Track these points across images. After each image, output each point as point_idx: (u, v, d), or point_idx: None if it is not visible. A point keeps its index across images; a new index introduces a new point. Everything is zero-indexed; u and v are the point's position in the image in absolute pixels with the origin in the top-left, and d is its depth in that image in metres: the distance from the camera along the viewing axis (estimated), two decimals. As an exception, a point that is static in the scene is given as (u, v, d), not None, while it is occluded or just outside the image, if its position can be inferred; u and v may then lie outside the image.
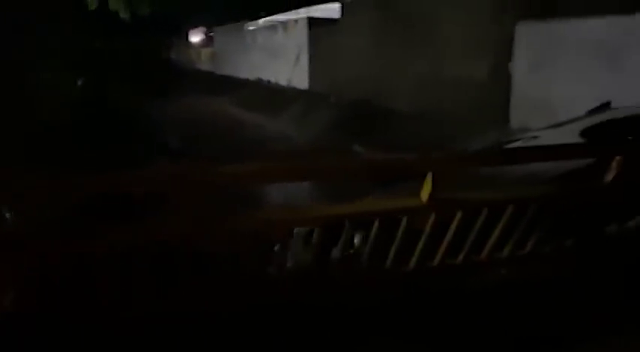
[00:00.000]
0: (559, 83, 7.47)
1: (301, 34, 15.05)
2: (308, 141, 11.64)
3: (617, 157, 2.39)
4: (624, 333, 2.13)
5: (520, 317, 2.22)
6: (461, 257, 2.20)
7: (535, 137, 4.36)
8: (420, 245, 2.11)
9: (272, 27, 17.32)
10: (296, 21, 15.39)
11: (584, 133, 4.20)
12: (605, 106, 5.41)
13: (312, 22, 14.46)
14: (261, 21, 18.25)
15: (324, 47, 14.03)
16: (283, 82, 16.48)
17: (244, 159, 2.18)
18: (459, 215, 2.08)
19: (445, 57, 9.45)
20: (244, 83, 18.55)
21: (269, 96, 15.90)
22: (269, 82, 17.45)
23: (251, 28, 18.72)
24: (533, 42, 7.85)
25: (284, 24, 16.34)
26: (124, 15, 7.35)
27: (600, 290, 2.34)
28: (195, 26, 25.44)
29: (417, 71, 10.20)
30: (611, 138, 4.14)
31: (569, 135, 4.25)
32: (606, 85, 6.80)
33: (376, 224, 2.16)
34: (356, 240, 3.40)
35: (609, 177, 2.38)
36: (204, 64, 24.37)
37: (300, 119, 13.21)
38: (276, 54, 16.93)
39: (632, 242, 2.49)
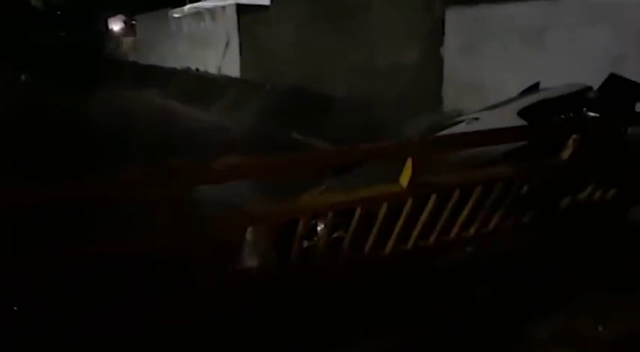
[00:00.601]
0: (488, 66, 7.79)
1: (230, 21, 14.69)
2: (245, 131, 11.46)
3: (574, 135, 2.52)
4: (582, 302, 2.28)
5: (488, 290, 2.30)
6: (432, 238, 2.26)
7: (476, 119, 4.52)
8: (397, 229, 2.14)
9: (198, 14, 16.77)
10: (223, 7, 14.99)
11: (521, 113, 4.42)
12: (535, 87, 5.71)
13: (241, 8, 14.14)
14: (187, 8, 17.62)
15: (255, 34, 13.79)
16: (213, 71, 16.05)
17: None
18: (433, 198, 2.13)
19: (378, 43, 9.58)
20: (172, 73, 17.90)
21: (199, 85, 15.46)
22: (197, 70, 16.95)
23: (176, 15, 18.03)
24: (462, 27, 8.12)
25: (211, 11, 15.86)
26: (35, 2, 6.84)
27: (557, 263, 2.48)
28: (114, 14, 24.15)
29: (351, 58, 10.28)
30: (546, 117, 4.38)
31: (509, 116, 4.44)
32: (532, 67, 7.18)
33: (358, 212, 2.15)
34: (319, 228, 3.40)
35: (566, 154, 2.52)
36: (126, 55, 23.24)
37: (235, 108, 12.96)
38: (204, 42, 16.43)
39: (584, 214, 2.67)
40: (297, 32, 11.89)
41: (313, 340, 2.02)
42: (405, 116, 8.76)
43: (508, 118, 4.40)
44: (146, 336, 1.84)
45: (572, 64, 6.62)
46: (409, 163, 2.05)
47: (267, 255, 3.51)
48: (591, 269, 2.43)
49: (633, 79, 5.44)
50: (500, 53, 7.61)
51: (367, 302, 2.14)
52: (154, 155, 9.15)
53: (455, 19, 8.20)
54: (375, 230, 2.13)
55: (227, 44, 15.19)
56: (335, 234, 3.24)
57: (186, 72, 17.45)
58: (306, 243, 3.36)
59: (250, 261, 3.62)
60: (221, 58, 15.60)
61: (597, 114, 4.33)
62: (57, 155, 6.55)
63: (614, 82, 4.56)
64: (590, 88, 4.79)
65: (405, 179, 2.07)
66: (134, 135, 10.42)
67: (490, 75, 7.76)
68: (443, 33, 8.40)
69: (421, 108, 8.70)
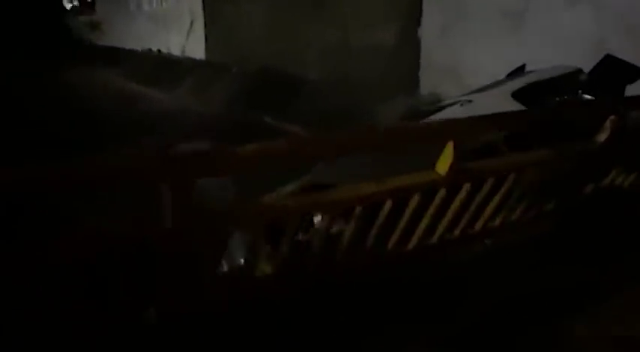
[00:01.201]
0: (466, 48, 7.69)
1: (194, 0, 14.07)
2: (213, 116, 11.03)
3: (612, 117, 2.39)
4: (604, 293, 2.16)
5: (510, 281, 2.15)
6: (458, 231, 2.09)
7: (469, 101, 4.37)
8: (426, 221, 1.95)
9: (160, -9, 16.04)
10: (187, -16, 14.33)
11: (515, 95, 4.30)
12: (522, 69, 5.63)
13: (206, -15, 13.53)
14: (147, -15, 16.81)
15: (222, 13, 13.24)
16: (176, 52, 15.41)
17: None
18: (467, 187, 1.94)
19: (353, 23, 9.34)
20: (132, 54, 17.10)
21: (163, 68, 14.80)
22: (160, 52, 16.25)
23: (136, -8, 17.20)
24: (441, 7, 7.98)
25: (173, -12, 15.17)
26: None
27: (579, 251, 2.36)
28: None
29: (324, 38, 10.00)
30: (540, 99, 4.28)
31: (502, 98, 4.33)
32: (512, 49, 7.12)
33: (388, 204, 1.94)
34: (315, 220, 3.17)
35: (602, 137, 2.38)
36: (83, 34, 22.09)
37: (202, 91, 12.46)
38: (165, 22, 15.74)
39: (608, 201, 2.56)
40: (267, 11, 11.49)
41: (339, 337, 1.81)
42: (381, 99, 8.61)
43: (502, 100, 4.29)
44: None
45: (553, 47, 6.58)
46: (450, 147, 1.85)
47: (260, 249, 3.28)
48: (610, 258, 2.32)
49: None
50: (480, 35, 7.51)
51: (392, 298, 1.96)
52: (116, 139, 8.71)
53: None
54: (402, 224, 1.93)
55: (191, 24, 14.58)
56: (335, 227, 3.03)
57: (148, 54, 16.72)
58: (300, 236, 3.15)
59: (240, 256, 3.38)
60: (185, 38, 14.97)
61: (592, 97, 4.26)
62: (12, 139, 6.05)
63: (608, 63, 4.49)
64: (580, 70, 4.73)
65: (443, 165, 1.87)
66: (94, 119, 9.86)
67: (469, 57, 7.67)
68: (421, 13, 8.24)
69: (398, 91, 8.55)
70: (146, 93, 12.90)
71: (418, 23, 8.27)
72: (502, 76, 6.98)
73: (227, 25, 13.03)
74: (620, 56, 5.77)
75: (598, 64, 4.55)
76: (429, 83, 8.31)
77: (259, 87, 11.31)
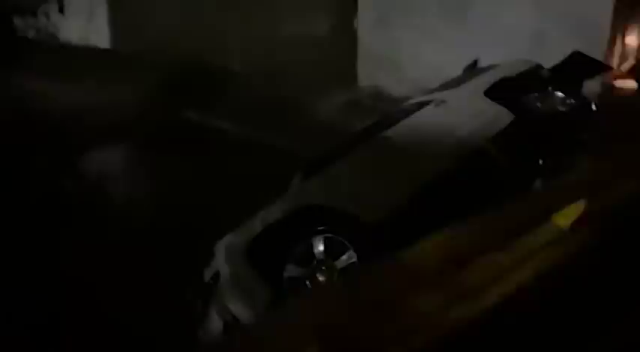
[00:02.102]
0: (406, 39, 7.54)
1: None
2: (129, 112, 10.01)
3: None
4: None
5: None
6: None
7: (443, 101, 4.15)
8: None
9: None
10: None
11: (487, 94, 4.15)
12: (474, 64, 5.55)
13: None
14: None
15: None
16: (76, 42, 13.91)
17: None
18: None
19: (284, 12, 8.84)
20: (26, 45, 15.20)
21: (64, 59, 13.28)
22: (60, 41, 14.58)
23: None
24: (377, -2, 7.75)
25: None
26: None
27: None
28: None
29: (251, 28, 9.39)
30: (511, 96, 4.15)
31: (475, 97, 4.16)
32: (452, 41, 7.07)
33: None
34: (319, 248, 2.77)
35: None
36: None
37: (113, 85, 11.31)
38: (62, 8, 14.13)
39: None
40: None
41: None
42: (317, 91, 8.26)
43: (475, 99, 4.13)
44: None
45: (493, 38, 6.60)
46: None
47: (242, 272, 2.83)
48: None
49: (553, 54, 5.52)
50: (419, 26, 7.38)
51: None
52: (14, 144, 7.61)
53: (369, -11, 7.79)
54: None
55: (91, 11, 13.22)
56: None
57: (43, 44, 14.94)
58: (299, 271, 2.74)
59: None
60: (85, 26, 13.55)
61: (563, 93, 4.21)
62: None
63: (575, 58, 4.49)
64: (540, 66, 4.71)
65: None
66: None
67: (408, 49, 7.53)
68: (356, 3, 7.95)
69: (334, 84, 8.26)
70: (47, 88, 11.47)
71: (354, 14, 7.99)
72: (444, 68, 6.94)
73: (134, 11, 11.92)
74: (559, 47, 5.86)
75: (566, 59, 4.54)
76: (367, 74, 8.08)
77: (178, 80, 10.43)
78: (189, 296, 2.94)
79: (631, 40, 7.01)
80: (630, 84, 6.91)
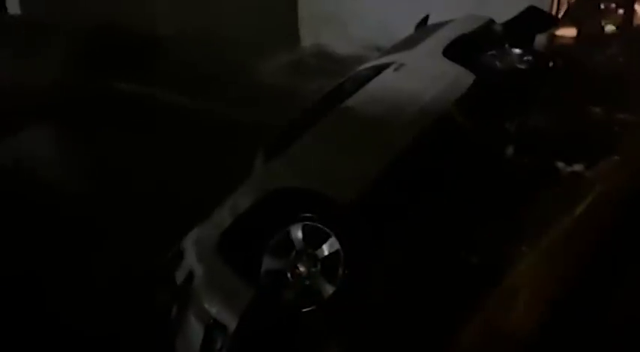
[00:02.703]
0: (348, -4, 7.27)
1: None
2: (50, 84, 9.12)
3: None
4: None
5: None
6: None
7: (402, 64, 3.97)
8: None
9: None
10: None
11: (445, 52, 4.03)
12: (425, 21, 5.40)
13: None
14: None
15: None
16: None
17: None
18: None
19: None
20: None
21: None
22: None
23: None
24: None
25: None
26: None
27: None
28: None
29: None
30: (470, 54, 4.04)
31: (435, 57, 4.02)
32: (395, -3, 6.87)
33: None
34: (298, 237, 2.58)
35: None
36: None
37: (29, 55, 10.29)
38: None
39: None
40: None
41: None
42: (256, 53, 7.86)
43: (435, 60, 3.99)
44: None
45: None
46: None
47: (217, 270, 2.62)
48: None
49: (499, 6, 5.47)
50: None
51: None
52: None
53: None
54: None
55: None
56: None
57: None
58: (277, 263, 2.56)
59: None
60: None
61: (520, 49, 4.15)
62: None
63: (530, 14, 4.42)
64: (492, 21, 4.62)
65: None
66: None
67: (351, 6, 7.28)
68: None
69: (275, 44, 7.87)
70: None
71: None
72: (389, 25, 6.77)
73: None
74: (504, 2, 5.81)
75: (520, 13, 4.46)
76: (310, 33, 7.77)
77: (101, 47, 9.57)
78: (160, 301, 2.70)
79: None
80: (569, 31, 7.03)
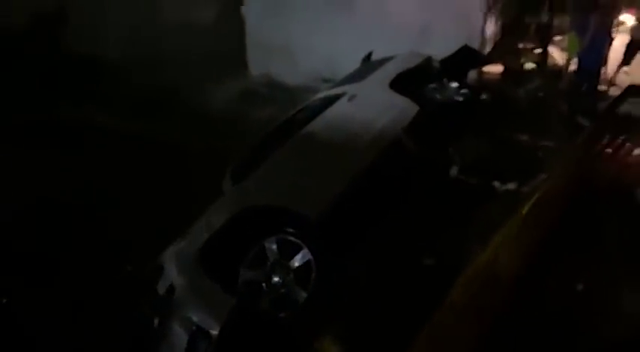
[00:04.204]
0: (296, 28, 7.65)
1: None
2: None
3: None
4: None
5: None
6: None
7: (354, 95, 4.35)
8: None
9: None
10: None
11: (392, 85, 4.45)
12: (369, 56, 5.85)
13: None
14: None
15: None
16: None
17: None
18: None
19: (166, 2, 8.43)
20: None
21: None
22: None
23: None
24: (265, -14, 7.72)
25: None
26: None
27: None
28: None
29: (130, 14, 8.81)
30: (413, 87, 4.50)
31: (382, 89, 4.43)
32: (342, 31, 7.34)
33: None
34: (272, 250, 2.83)
35: None
36: None
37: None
38: None
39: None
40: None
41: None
42: (205, 81, 8.04)
43: (383, 92, 4.39)
44: None
45: (382, 29, 6.97)
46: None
47: (198, 281, 2.80)
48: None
49: (438, 43, 6.06)
50: (308, 15, 7.53)
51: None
52: None
53: (255, -24, 7.72)
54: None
55: None
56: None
57: None
58: (253, 274, 2.79)
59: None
60: None
61: (456, 83, 4.66)
62: None
63: (464, 52, 4.95)
64: (430, 58, 5.13)
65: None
66: None
67: (299, 38, 7.65)
68: (242, -9, 7.85)
69: (225, 73, 8.10)
70: None
71: (240, 2, 7.87)
72: (335, 58, 7.20)
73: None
74: (443, 40, 6.41)
75: (455, 52, 4.99)
76: (258, 63, 8.06)
77: (48, 72, 9.36)
78: (144, 312, 2.82)
79: (489, 27, 7.85)
80: (495, 68, 7.79)
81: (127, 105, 7.87)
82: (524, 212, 2.17)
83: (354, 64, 5.79)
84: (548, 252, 2.15)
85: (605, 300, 2.12)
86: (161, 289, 2.84)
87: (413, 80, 4.57)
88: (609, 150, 3.12)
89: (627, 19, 8.65)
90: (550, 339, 2.08)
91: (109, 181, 5.79)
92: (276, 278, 2.79)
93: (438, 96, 4.50)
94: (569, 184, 2.57)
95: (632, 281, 2.24)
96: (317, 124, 3.88)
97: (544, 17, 9.42)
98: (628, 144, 3.21)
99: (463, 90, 4.60)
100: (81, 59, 9.31)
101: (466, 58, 4.97)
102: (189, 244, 2.99)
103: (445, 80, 4.68)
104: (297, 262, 2.79)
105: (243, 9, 7.92)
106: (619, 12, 7.77)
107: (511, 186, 3.66)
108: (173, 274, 2.84)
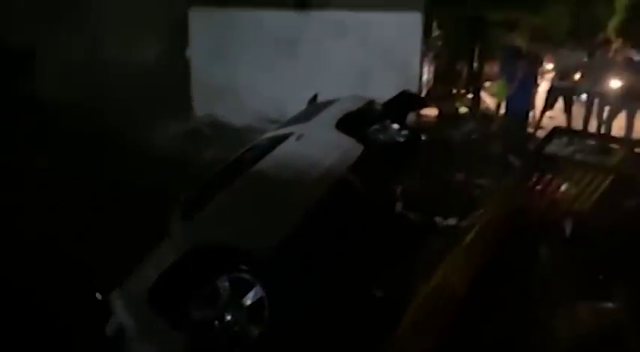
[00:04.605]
0: (242, 70, 7.82)
1: None
2: None
3: None
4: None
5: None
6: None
7: (302, 135, 4.49)
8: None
9: None
10: None
11: (338, 126, 4.64)
12: (315, 98, 6.06)
13: None
14: None
15: None
16: None
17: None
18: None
19: (108, 40, 8.39)
20: None
21: None
22: None
23: None
24: (210, 29, 7.87)
25: None
26: None
27: None
28: None
29: (70, 53, 8.67)
30: (358, 128, 4.70)
31: (329, 129, 4.61)
32: (286, 73, 7.58)
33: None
34: (224, 288, 2.82)
35: None
36: None
37: None
38: None
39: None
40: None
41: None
42: (148, 121, 7.96)
43: (329, 132, 4.56)
44: None
45: (325, 72, 7.27)
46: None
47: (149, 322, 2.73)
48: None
49: (378, 87, 6.40)
50: (254, 59, 7.74)
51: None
52: None
53: (201, 19, 7.88)
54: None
55: None
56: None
57: None
58: (205, 314, 2.77)
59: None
60: None
61: (398, 125, 4.92)
62: None
63: (405, 96, 5.25)
64: (373, 101, 5.39)
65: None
66: None
67: (244, 80, 7.81)
68: (187, 33, 7.96)
69: (168, 113, 8.07)
70: None
71: (186, 43, 7.97)
72: (280, 99, 7.41)
73: None
74: (380, 84, 6.77)
75: (396, 96, 5.27)
76: (203, 104, 8.10)
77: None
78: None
79: (425, 73, 8.36)
80: (431, 111, 8.24)
81: (66, 147, 7.63)
82: (466, 242, 2.33)
83: (299, 105, 5.96)
84: (488, 278, 2.31)
85: (541, 321, 2.32)
86: (110, 330, 2.75)
87: (357, 121, 4.78)
88: (538, 187, 3.40)
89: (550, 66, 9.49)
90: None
91: (51, 224, 5.55)
92: (229, 317, 2.78)
93: (381, 136, 4.72)
94: (505, 218, 2.78)
95: (564, 303, 2.45)
96: (266, 163, 3.96)
97: (474, 65, 10.17)
98: (555, 181, 3.51)
99: (404, 132, 4.85)
100: (17, 99, 9.01)
101: (406, 101, 5.27)
102: (137, 283, 2.93)
103: (387, 122, 4.94)
104: (249, 299, 2.80)
105: (189, 50, 8.01)
106: (543, 60, 8.47)
107: (451, 221, 3.88)
108: (123, 314, 2.76)
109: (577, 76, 7.62)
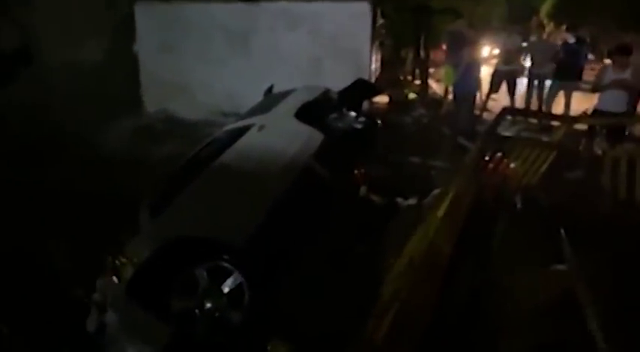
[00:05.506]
0: (193, 65, 7.74)
1: None
2: None
3: None
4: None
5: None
6: None
7: (263, 126, 4.56)
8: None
9: None
10: None
11: (297, 115, 4.74)
12: (270, 89, 6.13)
13: None
14: None
15: None
16: None
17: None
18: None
19: (53, 36, 8.07)
20: None
21: None
22: None
23: None
24: (157, 23, 7.74)
25: None
26: None
27: None
28: None
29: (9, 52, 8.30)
30: (317, 116, 4.82)
31: (288, 119, 4.70)
32: (238, 67, 7.58)
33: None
34: (203, 277, 2.89)
35: None
36: None
37: None
38: None
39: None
40: None
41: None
42: (96, 120, 7.75)
43: (290, 122, 4.66)
44: None
45: (276, 64, 7.32)
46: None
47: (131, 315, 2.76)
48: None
49: (330, 76, 6.55)
50: (205, 52, 7.68)
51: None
52: None
53: (147, 14, 7.73)
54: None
55: None
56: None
57: None
58: (185, 303, 2.83)
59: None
60: None
61: (354, 113, 5.08)
62: None
63: (359, 84, 5.40)
64: (329, 90, 5.53)
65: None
66: None
67: (196, 73, 7.75)
68: (134, 29, 7.79)
69: (117, 111, 7.88)
70: None
71: (132, 39, 7.79)
72: (233, 93, 7.41)
73: None
74: (332, 73, 6.91)
75: (352, 84, 5.42)
76: (155, 100, 7.96)
77: None
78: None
79: (373, 62, 8.56)
80: (382, 98, 8.47)
81: (11, 151, 7.32)
82: (440, 213, 2.50)
83: (252, 97, 5.99)
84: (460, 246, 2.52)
85: (503, 281, 2.56)
86: (91, 325, 2.77)
87: (315, 110, 4.90)
88: (492, 165, 3.65)
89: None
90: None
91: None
92: (208, 304, 2.86)
93: (339, 124, 4.87)
94: (466, 194, 2.99)
95: (521, 267, 2.71)
96: (231, 154, 4.01)
97: (420, 52, 10.48)
98: (505, 160, 3.77)
99: (361, 119, 5.03)
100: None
101: (361, 89, 5.43)
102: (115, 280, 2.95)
103: (344, 110, 5.08)
104: (228, 286, 2.89)
105: (135, 46, 7.85)
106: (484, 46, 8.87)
107: (412, 201, 4.08)
108: (103, 310, 2.78)
109: (520, 60, 8.04)
